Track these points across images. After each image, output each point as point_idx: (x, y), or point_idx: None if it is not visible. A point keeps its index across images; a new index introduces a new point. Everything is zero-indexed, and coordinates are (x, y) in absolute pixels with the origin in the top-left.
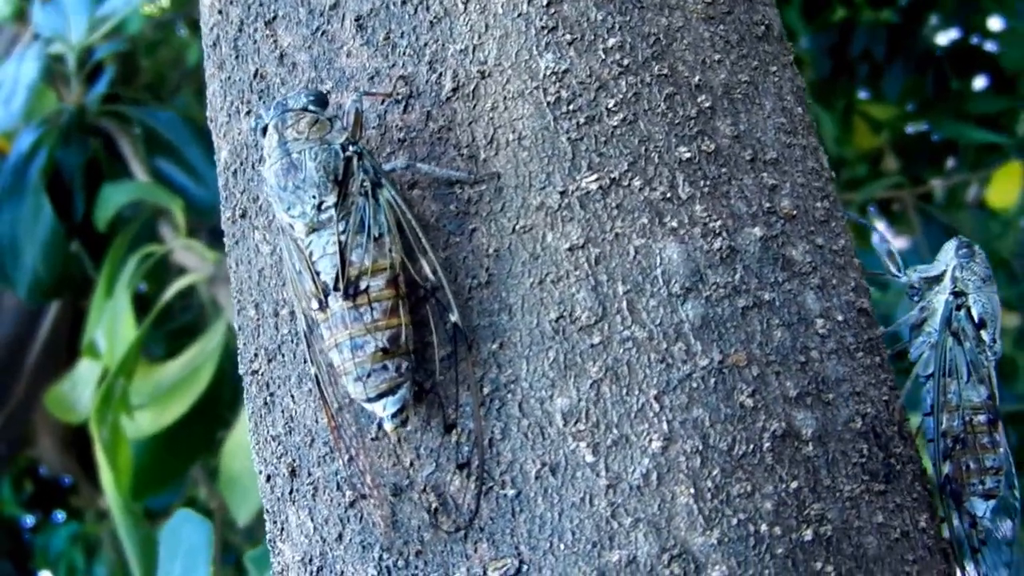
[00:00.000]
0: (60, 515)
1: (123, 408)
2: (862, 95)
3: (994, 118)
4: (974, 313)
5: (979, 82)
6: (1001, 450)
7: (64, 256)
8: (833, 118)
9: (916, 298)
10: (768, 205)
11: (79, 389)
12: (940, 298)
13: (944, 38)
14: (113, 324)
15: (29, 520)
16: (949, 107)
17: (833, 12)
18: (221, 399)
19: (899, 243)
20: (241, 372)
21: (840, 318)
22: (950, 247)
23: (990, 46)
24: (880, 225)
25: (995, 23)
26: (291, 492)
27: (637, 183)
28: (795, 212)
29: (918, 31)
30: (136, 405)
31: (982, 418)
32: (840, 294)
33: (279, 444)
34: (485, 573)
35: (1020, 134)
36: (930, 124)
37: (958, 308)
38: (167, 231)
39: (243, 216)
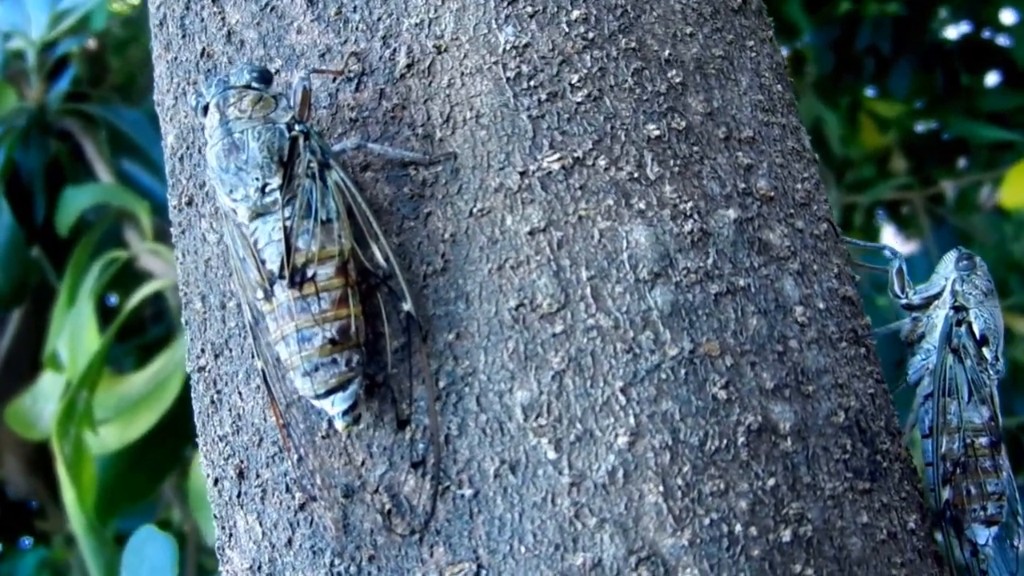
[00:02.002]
0: (28, 541)
1: (86, 422)
2: (869, 93)
3: (1007, 115)
4: (975, 329)
5: (991, 78)
6: (1004, 474)
7: (23, 263)
8: (838, 116)
9: (912, 317)
10: (743, 186)
11: (40, 404)
12: (939, 313)
13: (953, 33)
14: (76, 334)
15: None
16: (959, 104)
17: (837, 6)
18: (190, 412)
19: (908, 247)
20: (188, 370)
21: (822, 306)
22: (950, 259)
23: (1002, 40)
24: (888, 233)
25: (1008, 16)
26: (239, 495)
27: (602, 162)
28: (773, 193)
29: (926, 24)
30: (100, 419)
31: (984, 440)
32: (822, 280)
33: (226, 445)
34: None
35: None
36: (940, 122)
37: (958, 324)
38: (133, 236)
39: (189, 204)
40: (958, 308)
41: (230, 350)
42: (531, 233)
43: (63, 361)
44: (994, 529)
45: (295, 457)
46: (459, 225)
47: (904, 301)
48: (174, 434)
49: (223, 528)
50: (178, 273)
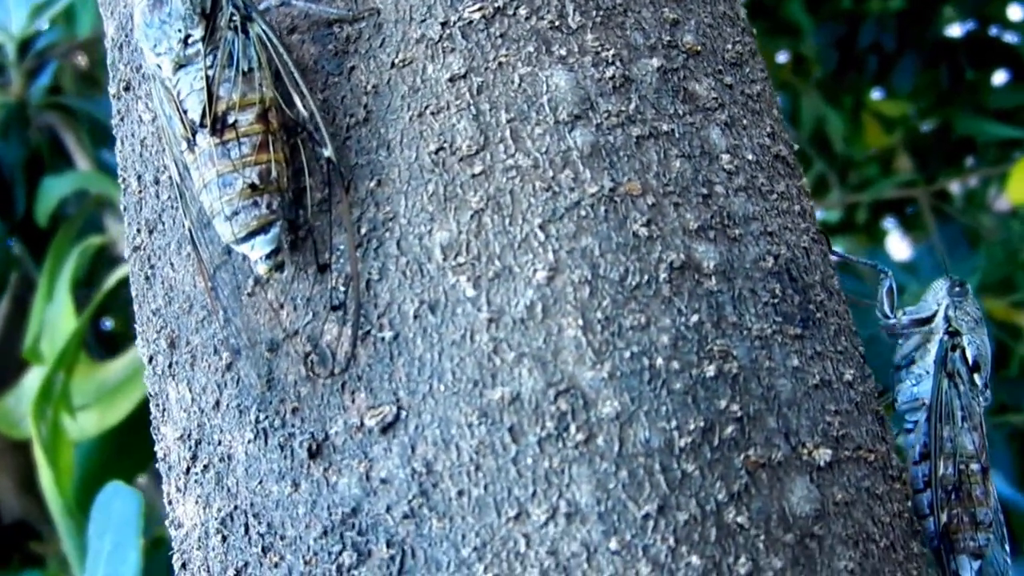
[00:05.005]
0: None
1: (63, 406)
2: (876, 95)
3: (1015, 112)
4: (968, 355)
5: (998, 77)
6: (992, 501)
7: (3, 256)
8: (841, 116)
9: (900, 342)
10: (668, 39)
11: (25, 404)
12: (933, 338)
13: (958, 31)
14: (53, 320)
15: None
16: (965, 101)
17: (839, 1)
18: None
19: (910, 250)
20: (125, 255)
21: (751, 158)
22: (941, 286)
23: (1010, 37)
24: (895, 237)
25: (1015, 12)
26: (170, 366)
27: (523, 12)
28: (700, 48)
29: (930, 20)
30: (79, 405)
31: (975, 467)
32: (752, 136)
33: (159, 318)
34: (362, 423)
35: None
36: (945, 120)
37: (953, 348)
38: (112, 222)
39: (127, 89)
40: (952, 333)
41: (163, 223)
42: (451, 80)
43: (44, 353)
44: (979, 562)
45: (221, 317)
46: (381, 77)
47: (892, 321)
48: None
49: (157, 405)
50: (118, 161)
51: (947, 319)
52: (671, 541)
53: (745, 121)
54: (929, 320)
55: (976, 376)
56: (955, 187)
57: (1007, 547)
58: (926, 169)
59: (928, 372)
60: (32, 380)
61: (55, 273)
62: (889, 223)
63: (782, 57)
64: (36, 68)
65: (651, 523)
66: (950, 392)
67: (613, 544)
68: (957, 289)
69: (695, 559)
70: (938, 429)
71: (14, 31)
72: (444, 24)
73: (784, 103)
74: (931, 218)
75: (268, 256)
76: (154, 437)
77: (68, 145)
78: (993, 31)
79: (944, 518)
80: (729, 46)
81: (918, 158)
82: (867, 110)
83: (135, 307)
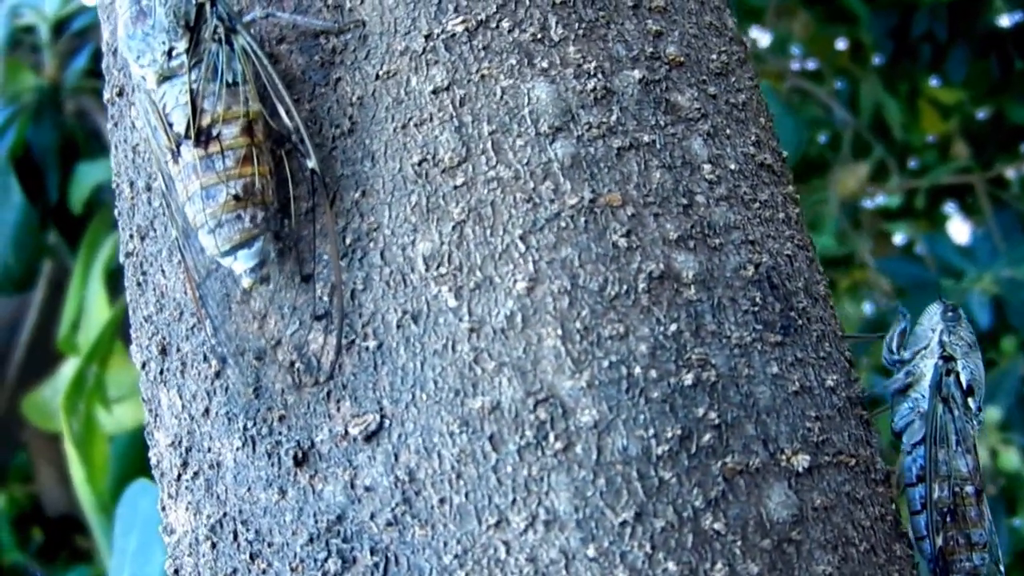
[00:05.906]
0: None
1: (97, 398)
2: (933, 83)
3: None
4: (962, 379)
5: None
6: (986, 523)
7: (36, 244)
8: (898, 103)
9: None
10: (651, 50)
11: (61, 395)
12: (928, 363)
13: (1007, 21)
14: (87, 310)
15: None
16: (1017, 90)
17: None
18: None
19: (967, 233)
20: (121, 261)
21: (733, 167)
22: (935, 311)
23: None
24: (956, 221)
25: None
26: (162, 373)
27: (506, 25)
28: (683, 59)
29: (981, 11)
30: (115, 397)
31: (970, 489)
32: (736, 145)
33: (151, 324)
34: (347, 431)
35: None
36: (998, 108)
37: (947, 373)
38: None
39: (120, 95)
40: (947, 358)
41: (155, 230)
42: (435, 92)
43: (79, 343)
44: None
45: (209, 325)
46: (366, 88)
47: (896, 358)
48: None
49: (150, 411)
50: (112, 167)
51: (941, 344)
52: (648, 547)
53: (729, 131)
54: (927, 347)
55: (970, 400)
56: (1011, 173)
57: (1002, 567)
58: (982, 155)
59: (924, 396)
60: (66, 371)
61: (90, 262)
62: (950, 207)
63: (841, 44)
64: (72, 50)
65: (628, 530)
66: (945, 416)
67: (591, 551)
68: (950, 314)
69: (672, 565)
70: (933, 452)
71: (47, 11)
72: (428, 37)
73: (843, 89)
74: (987, 204)
75: (252, 270)
76: (148, 443)
77: (103, 130)
78: None
79: (940, 541)
80: (714, 56)
81: (974, 145)
82: (923, 97)
83: (130, 312)
